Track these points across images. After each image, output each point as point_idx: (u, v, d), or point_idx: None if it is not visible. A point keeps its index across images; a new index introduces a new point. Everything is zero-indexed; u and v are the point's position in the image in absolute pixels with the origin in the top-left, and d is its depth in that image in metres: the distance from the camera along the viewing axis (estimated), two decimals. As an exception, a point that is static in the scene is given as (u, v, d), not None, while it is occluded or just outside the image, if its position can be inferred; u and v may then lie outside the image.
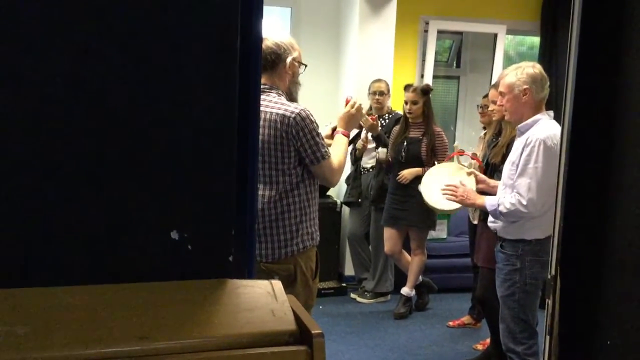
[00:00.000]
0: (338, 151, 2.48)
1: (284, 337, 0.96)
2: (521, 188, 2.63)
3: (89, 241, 1.00)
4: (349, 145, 2.68)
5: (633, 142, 1.54)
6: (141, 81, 1.01)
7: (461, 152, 4.14)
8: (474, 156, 4.01)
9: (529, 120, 2.70)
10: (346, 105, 2.60)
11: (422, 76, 5.90)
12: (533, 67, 2.77)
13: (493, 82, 5.02)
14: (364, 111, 4.74)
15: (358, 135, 4.70)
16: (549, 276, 1.72)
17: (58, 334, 0.86)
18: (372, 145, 4.83)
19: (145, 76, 1.01)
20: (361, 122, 2.74)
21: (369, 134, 4.62)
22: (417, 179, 4.36)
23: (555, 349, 1.70)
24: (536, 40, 6.24)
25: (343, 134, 2.55)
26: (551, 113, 2.72)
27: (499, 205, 2.70)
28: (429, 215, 4.44)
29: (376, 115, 4.83)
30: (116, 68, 0.99)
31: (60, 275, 0.99)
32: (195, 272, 1.08)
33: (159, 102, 1.02)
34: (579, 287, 1.68)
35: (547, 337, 1.73)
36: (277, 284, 1.11)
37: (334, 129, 2.64)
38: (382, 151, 4.69)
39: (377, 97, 4.90)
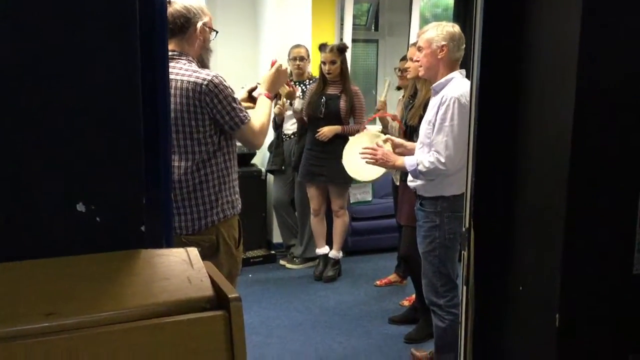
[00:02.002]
0: (261, 113, 2.46)
1: (201, 303, 0.95)
2: (439, 146, 2.70)
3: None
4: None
5: (538, 97, 1.60)
6: (36, 48, 0.95)
7: (383, 114, 4.19)
8: (394, 117, 4.08)
9: (443, 80, 2.76)
10: (272, 67, 2.58)
11: (341, 40, 5.90)
12: (453, 27, 2.83)
13: (411, 44, 5.08)
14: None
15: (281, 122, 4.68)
16: (464, 229, 1.79)
17: (-44, 316, 0.82)
18: (291, 112, 4.81)
19: (40, 42, 0.95)
20: (279, 91, 2.72)
21: (287, 102, 4.60)
22: (336, 137, 4.41)
23: (471, 297, 1.77)
24: (450, 1, 6.35)
25: (266, 96, 2.53)
26: (464, 72, 2.79)
27: (417, 164, 2.76)
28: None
29: (296, 82, 4.81)
30: (6, 36, 0.93)
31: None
32: (107, 244, 1.05)
33: (57, 67, 0.97)
34: (491, 238, 1.75)
35: (464, 287, 1.80)
36: (193, 251, 1.09)
37: (250, 91, 2.61)
38: (298, 101, 4.64)
39: (297, 62, 4.87)
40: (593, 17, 1.38)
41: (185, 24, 2.28)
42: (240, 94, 2.56)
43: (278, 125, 4.93)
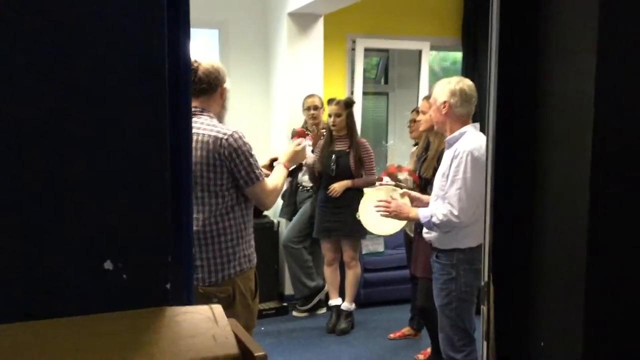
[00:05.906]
0: (276, 177, 2.54)
1: (227, 361, 0.95)
2: (452, 198, 2.71)
3: (10, 276, 0.95)
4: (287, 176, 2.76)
5: (556, 148, 1.62)
6: (65, 105, 0.98)
7: (399, 169, 4.20)
8: (411, 173, 4.09)
9: (456, 133, 2.80)
10: (294, 140, 2.73)
11: (352, 93, 5.99)
12: (457, 83, 2.87)
13: (421, 96, 5.17)
14: (299, 127, 4.81)
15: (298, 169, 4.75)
16: (483, 283, 1.77)
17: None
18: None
19: (68, 96, 0.98)
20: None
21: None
22: (347, 190, 4.45)
23: (492, 353, 1.74)
24: (459, 55, 6.46)
25: (284, 166, 2.61)
26: (477, 125, 2.82)
27: (432, 216, 2.77)
28: (361, 225, 4.50)
29: (311, 132, 4.87)
30: (39, 94, 0.96)
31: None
32: (132, 302, 1.05)
33: (85, 121, 0.99)
34: (511, 292, 1.73)
35: (485, 343, 1.78)
36: (218, 308, 1.10)
37: (272, 160, 2.70)
38: (311, 156, 4.72)
39: (312, 111, 4.91)
40: (607, 66, 1.40)
41: (215, 82, 2.37)
42: (262, 160, 2.65)
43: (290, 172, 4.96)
